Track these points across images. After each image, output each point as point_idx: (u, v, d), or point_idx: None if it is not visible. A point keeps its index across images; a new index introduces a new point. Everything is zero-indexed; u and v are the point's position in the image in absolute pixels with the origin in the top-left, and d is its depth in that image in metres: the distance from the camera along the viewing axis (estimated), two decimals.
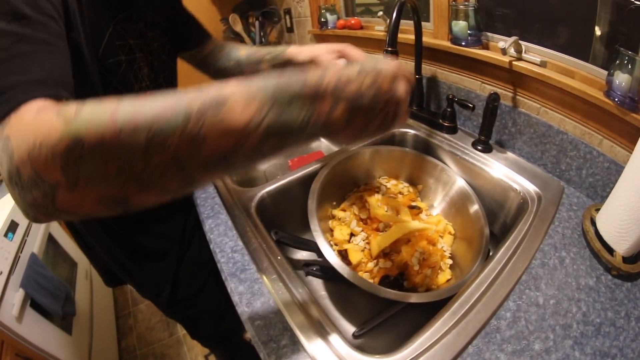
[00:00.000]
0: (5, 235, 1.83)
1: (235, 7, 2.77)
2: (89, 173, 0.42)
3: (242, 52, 1.31)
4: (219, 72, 1.35)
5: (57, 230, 2.46)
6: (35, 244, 2.03)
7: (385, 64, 0.55)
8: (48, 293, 1.87)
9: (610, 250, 0.89)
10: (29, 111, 0.48)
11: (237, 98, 0.46)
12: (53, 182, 0.43)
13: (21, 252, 1.86)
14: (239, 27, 2.70)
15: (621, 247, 0.86)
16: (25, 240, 1.96)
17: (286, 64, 1.17)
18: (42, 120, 0.45)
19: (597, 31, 1.07)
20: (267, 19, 2.72)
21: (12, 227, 1.91)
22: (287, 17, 2.76)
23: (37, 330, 1.72)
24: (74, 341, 1.99)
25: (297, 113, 0.48)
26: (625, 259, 0.87)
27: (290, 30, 2.81)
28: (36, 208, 0.46)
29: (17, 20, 0.59)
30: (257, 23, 2.70)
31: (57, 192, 0.43)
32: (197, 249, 1.44)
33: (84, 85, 0.83)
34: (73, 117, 0.43)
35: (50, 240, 2.29)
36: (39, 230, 2.15)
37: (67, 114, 0.43)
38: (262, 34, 2.73)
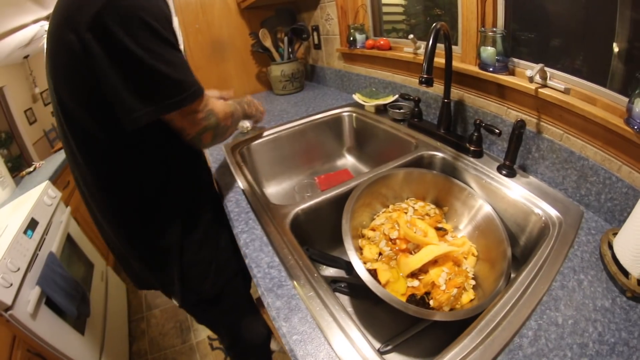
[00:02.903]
0: (25, 232, 1.88)
1: (264, 22, 2.81)
2: (232, 122, 1.34)
3: None
4: None
5: (76, 230, 2.53)
6: (54, 243, 2.07)
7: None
8: (64, 292, 1.91)
9: (626, 273, 0.91)
10: (209, 98, 1.18)
11: (237, 107, 1.43)
12: (227, 124, 1.30)
13: (39, 250, 1.91)
14: (268, 42, 2.75)
15: (636, 270, 0.88)
16: (44, 238, 2.02)
17: None
18: (223, 107, 1.26)
19: (615, 56, 1.11)
20: (295, 35, 2.75)
21: (32, 224, 1.96)
22: (315, 34, 2.82)
23: (50, 328, 1.76)
24: (86, 341, 2.02)
25: (239, 109, 1.47)
26: None
27: (318, 47, 2.87)
28: (222, 135, 1.31)
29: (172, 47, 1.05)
30: (285, 39, 2.75)
31: (227, 129, 1.32)
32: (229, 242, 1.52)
33: None
34: (228, 106, 1.31)
35: (69, 240, 2.33)
36: (58, 230, 2.21)
37: (227, 105, 1.31)
38: (290, 50, 2.77)
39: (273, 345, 2.26)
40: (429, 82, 1.22)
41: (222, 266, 1.44)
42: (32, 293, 1.70)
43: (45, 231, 2.08)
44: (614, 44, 1.10)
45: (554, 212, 1.16)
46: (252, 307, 1.81)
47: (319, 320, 0.90)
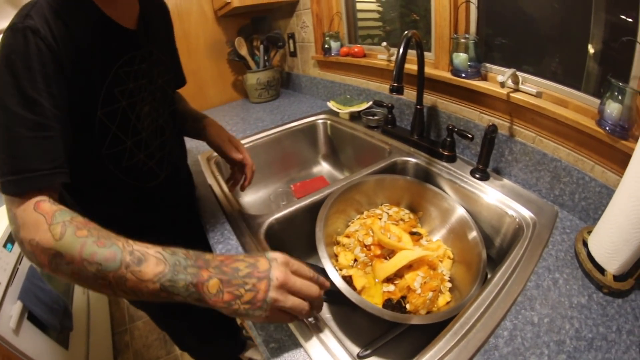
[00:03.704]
0: (4, 246, 1.80)
1: (240, 30, 2.80)
2: (62, 271, 0.72)
3: (182, 105, 1.49)
4: None
5: None
6: None
7: (276, 274, 0.75)
8: (46, 306, 1.85)
9: (602, 270, 0.92)
10: (30, 203, 0.74)
11: (152, 259, 0.71)
12: (42, 263, 0.72)
13: (20, 264, 1.83)
14: (244, 51, 2.74)
15: (612, 266, 0.89)
16: None
17: (201, 130, 1.43)
18: (38, 224, 0.72)
19: (590, 56, 1.12)
20: (271, 43, 2.75)
21: (12, 238, 1.87)
22: (291, 41, 2.82)
23: (34, 344, 1.69)
24: (70, 356, 1.96)
25: (182, 278, 0.71)
26: (616, 278, 0.90)
27: (294, 54, 2.87)
28: (30, 261, 0.76)
29: (21, 99, 0.75)
30: (261, 47, 2.74)
31: (42, 267, 0.73)
32: None
33: (84, 135, 0.93)
34: (58, 237, 0.70)
35: None
36: None
37: (54, 232, 0.70)
38: (266, 57, 2.76)
39: (256, 355, 2.26)
40: (399, 91, 1.23)
41: None
42: (14, 308, 1.64)
43: None
44: (589, 46, 1.12)
45: (527, 213, 1.17)
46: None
47: (295, 327, 0.89)
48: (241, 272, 0.74)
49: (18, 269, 1.80)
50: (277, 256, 0.79)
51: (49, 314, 1.86)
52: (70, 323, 2.09)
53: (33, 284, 1.83)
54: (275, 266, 0.77)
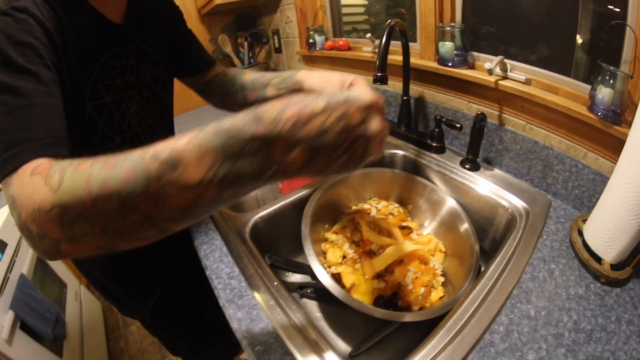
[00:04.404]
0: None
1: (224, 28, 2.78)
2: (81, 232, 0.51)
3: (248, 76, 1.21)
4: (222, 98, 1.29)
5: None
6: (25, 265, 1.98)
7: (360, 92, 0.52)
8: (38, 315, 1.84)
9: (598, 259, 0.91)
10: (26, 172, 0.56)
11: (189, 156, 0.47)
12: (56, 237, 0.51)
13: (10, 273, 1.82)
14: (228, 48, 2.72)
15: (609, 255, 0.88)
16: (15, 260, 1.92)
17: (294, 89, 1.05)
18: (35, 187, 0.53)
19: (578, 43, 1.11)
20: (255, 40, 2.74)
21: (1, 247, 1.87)
22: (276, 37, 2.80)
23: (27, 353, 1.68)
24: None
25: (248, 163, 0.48)
26: (613, 266, 0.88)
27: (279, 50, 2.85)
28: (48, 254, 0.55)
29: (12, 72, 0.66)
30: (245, 44, 2.72)
31: (60, 245, 0.52)
32: (187, 271, 1.47)
33: (74, 129, 0.86)
34: (57, 186, 0.51)
35: (40, 260, 2.23)
36: (28, 251, 2.10)
37: (52, 183, 0.51)
38: (250, 54, 2.74)
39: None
40: (383, 80, 1.21)
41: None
42: (5, 318, 1.62)
43: (15, 253, 1.97)
44: (577, 36, 1.11)
45: (520, 203, 1.16)
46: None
47: (281, 330, 0.86)
48: (332, 130, 0.49)
49: (9, 277, 1.79)
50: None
51: (41, 322, 1.84)
52: (63, 331, 2.07)
53: (24, 293, 1.81)
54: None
